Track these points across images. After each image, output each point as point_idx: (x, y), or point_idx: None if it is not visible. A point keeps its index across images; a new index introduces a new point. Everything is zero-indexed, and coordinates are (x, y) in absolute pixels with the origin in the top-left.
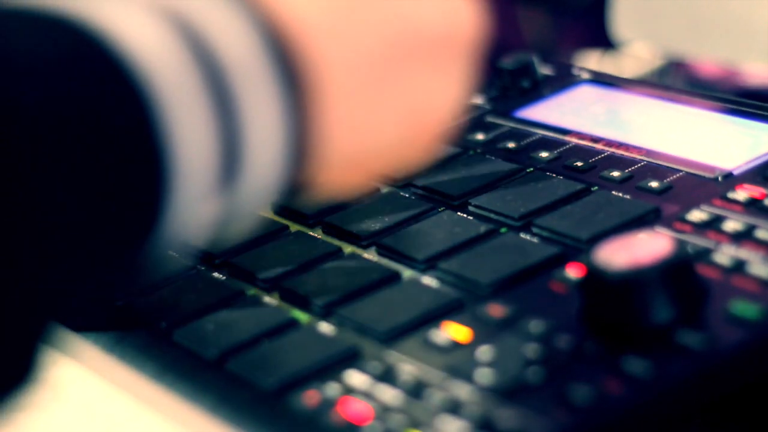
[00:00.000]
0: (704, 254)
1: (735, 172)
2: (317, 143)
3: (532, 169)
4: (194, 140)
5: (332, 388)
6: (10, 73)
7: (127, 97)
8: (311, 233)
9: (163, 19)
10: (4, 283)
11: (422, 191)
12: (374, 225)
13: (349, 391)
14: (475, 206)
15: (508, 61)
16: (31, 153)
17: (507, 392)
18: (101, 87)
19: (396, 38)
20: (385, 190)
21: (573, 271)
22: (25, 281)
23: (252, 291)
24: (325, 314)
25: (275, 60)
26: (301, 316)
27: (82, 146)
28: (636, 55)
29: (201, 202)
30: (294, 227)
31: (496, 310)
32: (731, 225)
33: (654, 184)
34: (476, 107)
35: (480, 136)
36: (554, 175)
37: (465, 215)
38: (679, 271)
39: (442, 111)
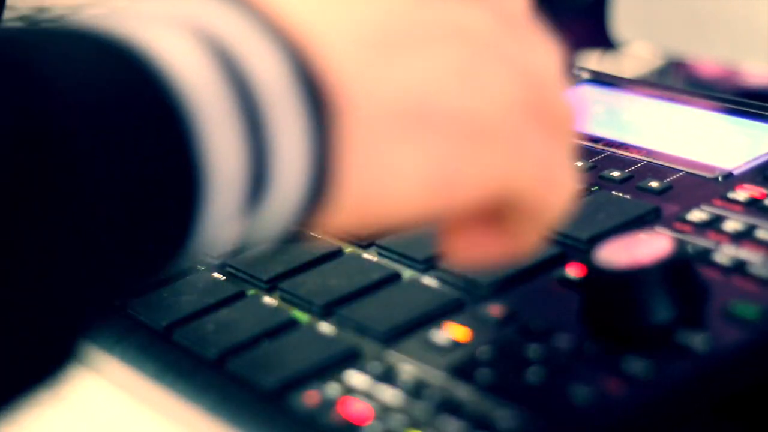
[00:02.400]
0: (704, 254)
1: (735, 172)
2: (334, 182)
3: None
4: (227, 159)
5: (332, 388)
6: (56, 91)
7: (166, 115)
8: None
9: (201, 43)
10: (48, 289)
11: None
12: None
13: (349, 391)
14: None
15: None
16: (78, 166)
17: (507, 392)
18: (144, 107)
19: (417, 103)
20: None
21: (573, 271)
22: (71, 284)
23: (252, 291)
24: (325, 314)
25: (304, 92)
26: (301, 316)
27: (122, 161)
28: (636, 55)
29: (227, 223)
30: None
31: (496, 310)
32: (731, 225)
33: (654, 184)
34: None
35: None
36: None
37: None
38: (680, 271)
39: (469, 188)
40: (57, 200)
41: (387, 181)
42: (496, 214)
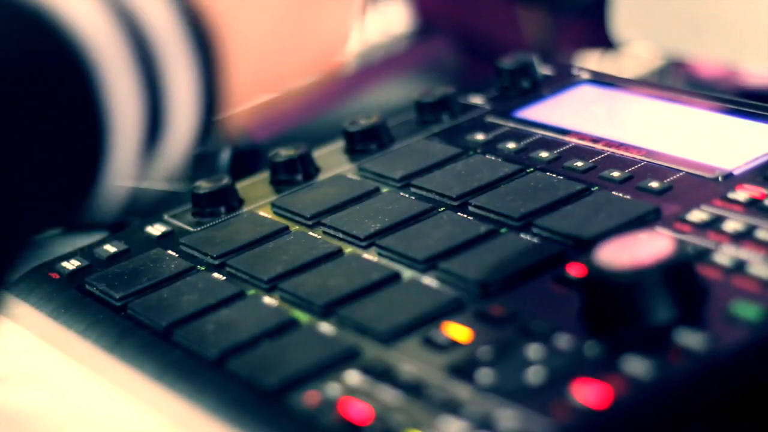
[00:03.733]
0: (704, 254)
1: (735, 173)
2: (227, 89)
3: (532, 169)
4: (126, 101)
5: (332, 388)
6: None
7: (69, 67)
8: (311, 233)
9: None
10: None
11: (422, 191)
12: (374, 225)
13: (349, 391)
14: (475, 206)
15: (508, 61)
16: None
17: (507, 392)
18: (47, 58)
19: None
20: (385, 189)
21: (573, 271)
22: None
23: (252, 291)
24: (325, 314)
25: (188, 26)
26: (301, 316)
27: (34, 108)
28: (636, 55)
29: (131, 159)
30: (294, 227)
31: (496, 310)
32: (731, 225)
33: (654, 184)
34: (476, 107)
35: (480, 137)
36: (554, 175)
37: (465, 215)
38: (680, 272)
39: (341, 37)
40: None
41: (279, 65)
42: None
